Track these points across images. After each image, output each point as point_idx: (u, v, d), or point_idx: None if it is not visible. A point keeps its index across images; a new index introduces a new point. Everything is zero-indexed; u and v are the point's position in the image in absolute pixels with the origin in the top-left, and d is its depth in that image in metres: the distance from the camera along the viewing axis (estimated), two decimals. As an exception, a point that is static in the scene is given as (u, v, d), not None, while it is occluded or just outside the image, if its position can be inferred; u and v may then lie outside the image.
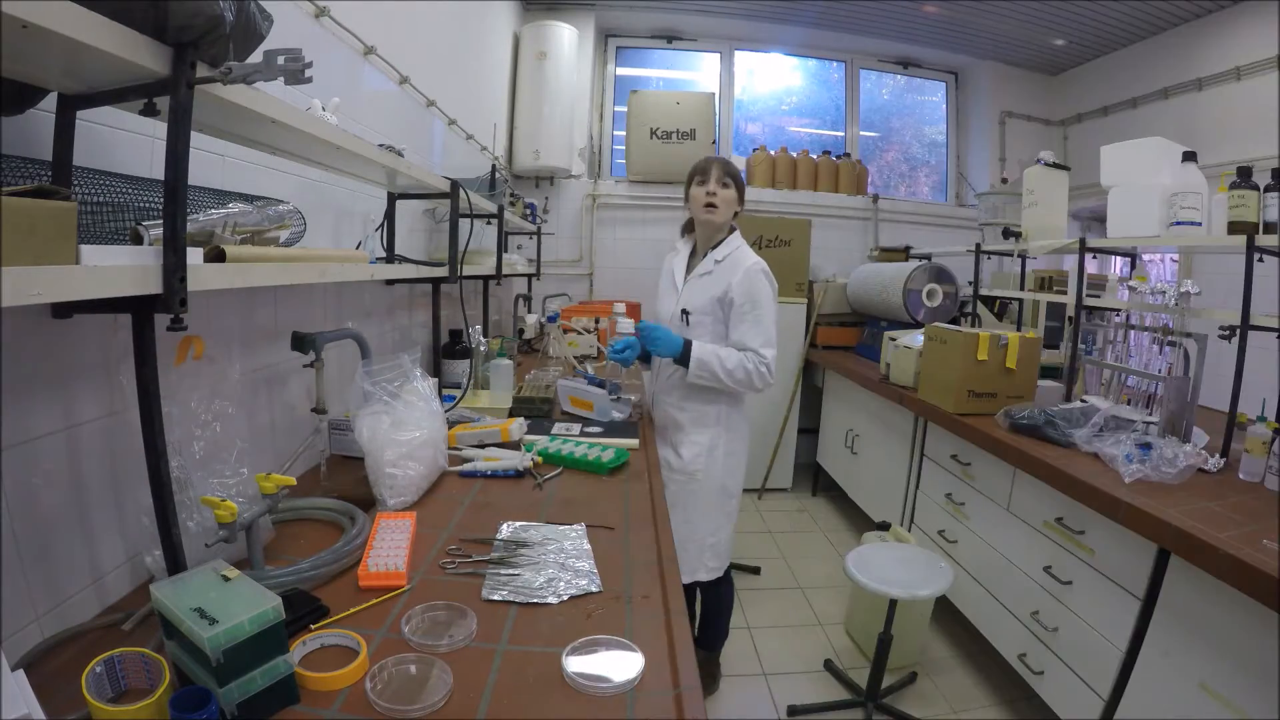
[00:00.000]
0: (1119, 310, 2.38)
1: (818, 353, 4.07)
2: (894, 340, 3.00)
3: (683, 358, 1.84)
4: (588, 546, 1.16)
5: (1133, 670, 1.60)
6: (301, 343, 1.36)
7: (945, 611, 2.53)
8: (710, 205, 1.88)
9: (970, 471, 2.37)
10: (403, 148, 1.58)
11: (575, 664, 0.82)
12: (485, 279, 2.90)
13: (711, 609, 2.15)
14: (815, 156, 4.68)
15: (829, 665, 2.38)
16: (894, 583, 1.92)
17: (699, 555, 1.98)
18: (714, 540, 1.99)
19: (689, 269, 2.02)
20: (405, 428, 1.33)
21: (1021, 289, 3.23)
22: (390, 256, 1.84)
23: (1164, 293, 2.11)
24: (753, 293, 1.86)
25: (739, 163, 4.66)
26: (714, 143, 4.44)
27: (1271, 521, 1.46)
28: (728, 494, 2.00)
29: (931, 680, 2.33)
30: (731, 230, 1.98)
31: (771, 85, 4.97)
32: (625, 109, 4.46)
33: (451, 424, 1.72)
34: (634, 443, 1.77)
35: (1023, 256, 3.09)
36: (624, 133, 4.50)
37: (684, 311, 1.94)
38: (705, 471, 1.95)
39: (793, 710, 2.13)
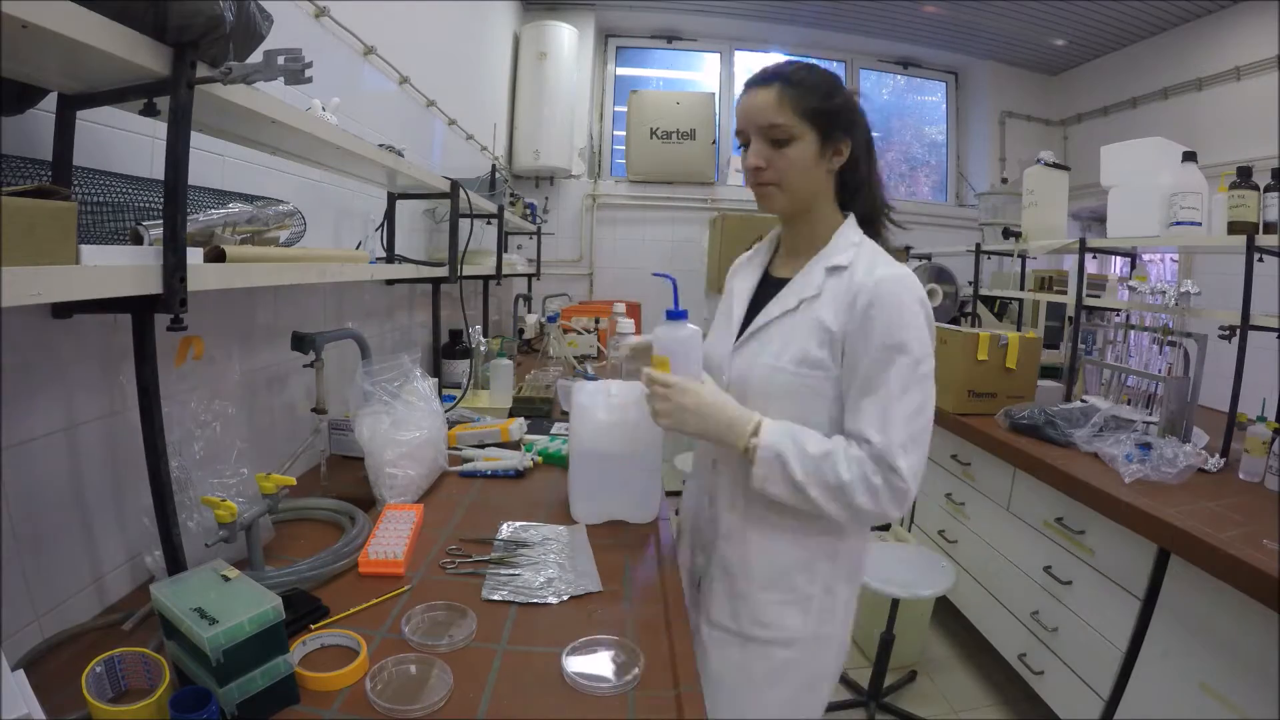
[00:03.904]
0: (1119, 310, 2.38)
1: (818, 353, 4.06)
2: (894, 340, 2.99)
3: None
4: (588, 546, 1.16)
5: (1133, 670, 1.60)
6: (301, 343, 1.36)
7: (945, 611, 2.53)
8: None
9: (970, 471, 2.37)
10: (403, 148, 1.58)
11: (575, 664, 0.82)
12: (485, 279, 2.90)
13: None
14: (815, 156, 4.67)
15: (829, 665, 2.37)
16: (896, 582, 1.92)
17: None
18: None
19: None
20: (405, 428, 1.33)
21: (1021, 289, 3.23)
22: (390, 256, 1.84)
23: (1164, 293, 2.11)
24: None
25: (738, 162, 4.64)
26: (714, 143, 4.44)
27: (1271, 521, 1.46)
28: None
29: (931, 680, 2.33)
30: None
31: (771, 85, 4.97)
32: (625, 109, 4.46)
33: (451, 424, 1.72)
34: (634, 443, 1.77)
35: (1023, 256, 3.09)
36: (624, 133, 4.50)
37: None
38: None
39: (793, 710, 2.13)
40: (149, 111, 0.74)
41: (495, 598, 0.99)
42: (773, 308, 1.04)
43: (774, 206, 1.04)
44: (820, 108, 0.99)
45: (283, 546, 1.14)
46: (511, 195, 3.26)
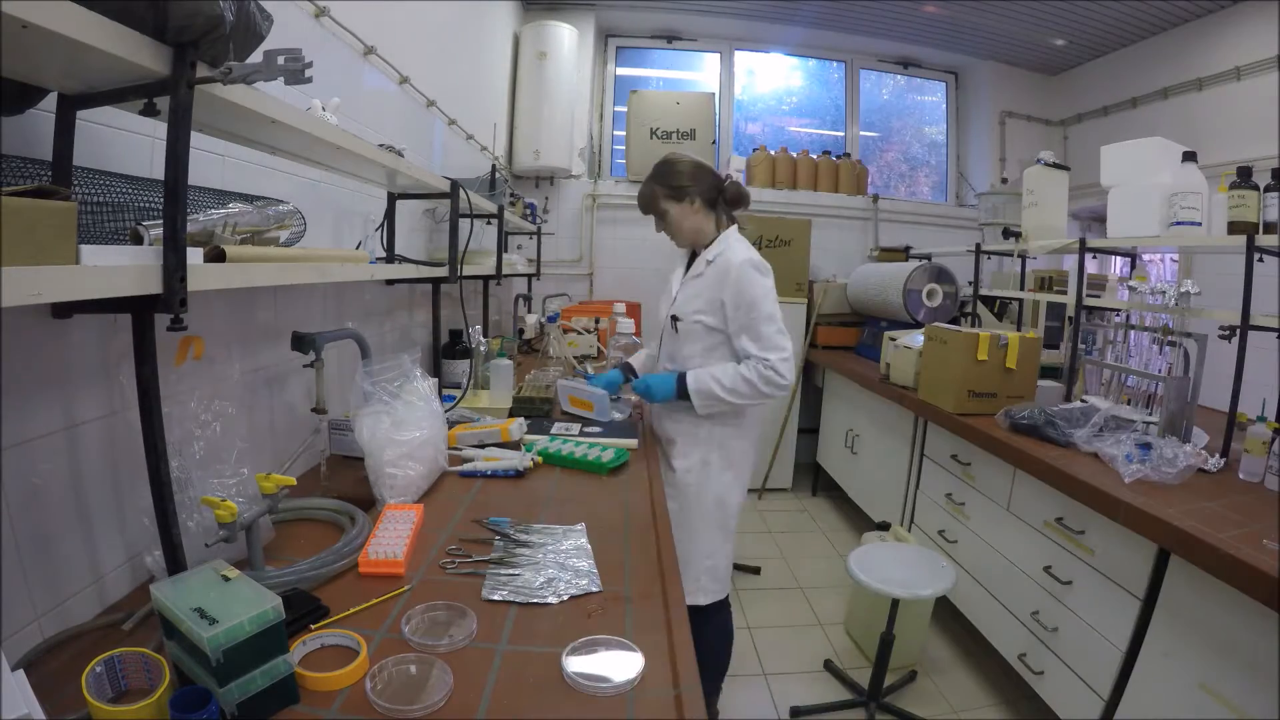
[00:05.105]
0: (1119, 310, 2.38)
1: (818, 353, 4.07)
2: (894, 340, 3.00)
3: (681, 393, 1.76)
4: (588, 546, 1.16)
5: (1133, 670, 1.60)
6: (301, 343, 1.36)
7: (945, 611, 2.53)
8: (669, 235, 1.85)
9: (970, 471, 2.37)
10: (403, 148, 1.58)
11: (575, 664, 0.82)
12: (485, 279, 2.90)
13: (706, 640, 1.82)
14: (815, 156, 4.68)
15: (829, 665, 2.38)
16: (896, 582, 1.92)
17: (696, 576, 1.82)
18: (710, 562, 1.85)
19: (686, 273, 1.91)
20: (405, 428, 1.33)
21: (1021, 289, 3.23)
22: (390, 256, 1.84)
23: (1164, 293, 2.11)
24: (743, 293, 1.71)
25: (738, 162, 4.65)
26: (714, 143, 4.45)
27: (1271, 521, 1.45)
28: (725, 511, 1.86)
29: (932, 680, 2.33)
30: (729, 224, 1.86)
31: (771, 85, 4.97)
32: (625, 109, 4.46)
33: (451, 424, 1.72)
34: (634, 443, 1.77)
35: (1023, 256, 3.09)
36: (624, 133, 4.50)
37: (673, 318, 1.84)
38: (698, 487, 1.82)
39: (795, 711, 2.13)
40: (149, 111, 0.74)
41: (495, 598, 0.99)
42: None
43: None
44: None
45: (283, 546, 1.14)
46: (511, 195, 3.26)
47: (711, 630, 1.92)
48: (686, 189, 1.77)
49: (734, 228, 1.85)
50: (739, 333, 1.74)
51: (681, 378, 1.76)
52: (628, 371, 1.98)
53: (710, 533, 1.85)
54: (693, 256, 1.90)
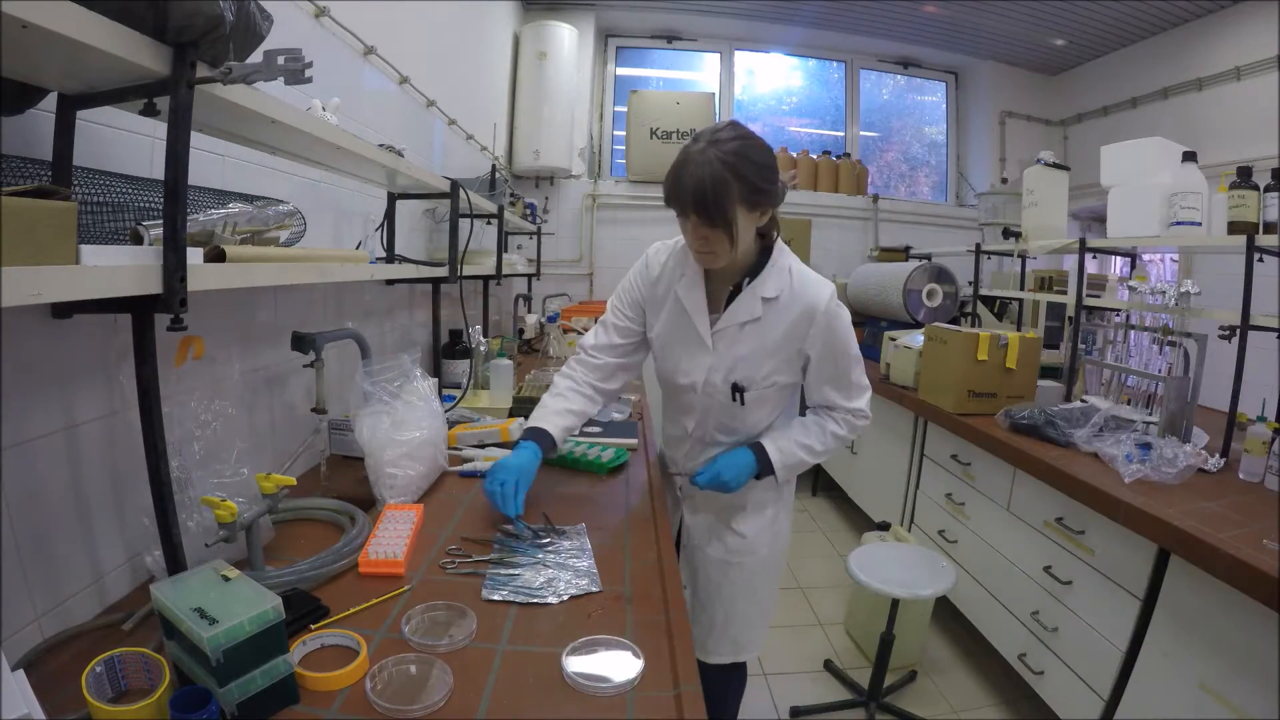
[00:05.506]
0: (1119, 310, 2.38)
1: (818, 353, 4.06)
2: (894, 340, 3.00)
3: (763, 469, 1.39)
4: (588, 546, 1.16)
5: (1133, 670, 1.60)
6: (301, 343, 1.36)
7: (945, 611, 2.53)
8: (704, 253, 1.28)
9: (970, 471, 2.37)
10: (403, 148, 1.58)
11: (575, 664, 0.82)
12: (485, 279, 2.90)
13: (724, 697, 1.64)
14: (815, 156, 4.68)
15: (829, 665, 2.38)
16: (896, 582, 1.92)
17: (763, 629, 1.59)
18: (772, 611, 1.62)
19: (713, 304, 1.38)
20: (405, 428, 1.33)
21: (1021, 289, 3.23)
22: (390, 256, 1.84)
23: (1164, 293, 2.11)
24: (836, 343, 1.34)
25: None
26: (714, 143, 4.44)
27: (1271, 521, 1.45)
28: (781, 565, 1.62)
29: (932, 680, 2.33)
30: (768, 248, 1.35)
31: (772, 85, 4.98)
32: (625, 109, 4.46)
33: (451, 424, 1.73)
34: (634, 442, 1.77)
35: (1023, 256, 3.09)
36: (624, 133, 4.50)
37: (735, 388, 1.35)
38: (771, 545, 1.53)
39: (795, 711, 2.13)
40: (149, 111, 0.74)
41: (495, 598, 0.99)
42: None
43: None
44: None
45: (283, 546, 1.14)
46: (511, 195, 3.26)
47: (735, 686, 1.66)
48: (769, 195, 1.24)
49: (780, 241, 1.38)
50: (822, 384, 1.39)
51: (761, 456, 1.38)
52: (544, 443, 1.35)
53: (777, 583, 1.61)
54: (704, 276, 1.40)
